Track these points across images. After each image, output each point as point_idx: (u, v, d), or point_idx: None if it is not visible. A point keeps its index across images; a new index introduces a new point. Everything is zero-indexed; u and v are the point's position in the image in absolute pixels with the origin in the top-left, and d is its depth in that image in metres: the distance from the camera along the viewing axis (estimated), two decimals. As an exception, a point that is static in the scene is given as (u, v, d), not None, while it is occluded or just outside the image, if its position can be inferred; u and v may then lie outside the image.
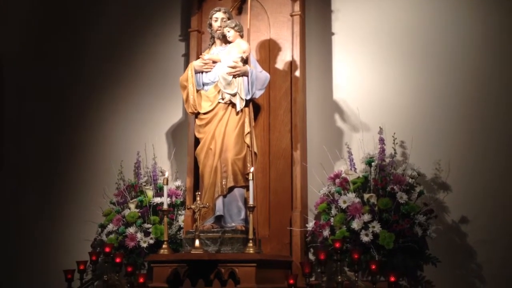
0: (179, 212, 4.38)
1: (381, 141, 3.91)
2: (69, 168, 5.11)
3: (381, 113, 4.12)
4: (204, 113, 3.95)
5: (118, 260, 3.99)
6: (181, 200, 4.44)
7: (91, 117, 5.12)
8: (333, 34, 4.39)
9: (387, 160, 3.88)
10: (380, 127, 3.96)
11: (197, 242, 3.58)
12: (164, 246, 3.80)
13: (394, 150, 3.90)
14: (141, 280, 3.83)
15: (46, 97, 5.34)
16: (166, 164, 4.69)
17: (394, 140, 3.90)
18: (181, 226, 4.29)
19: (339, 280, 3.44)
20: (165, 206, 3.88)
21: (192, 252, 3.57)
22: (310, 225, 3.92)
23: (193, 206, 3.73)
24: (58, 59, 5.34)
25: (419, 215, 3.66)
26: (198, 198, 3.72)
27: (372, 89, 4.23)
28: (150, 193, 4.44)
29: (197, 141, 4.11)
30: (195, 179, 4.22)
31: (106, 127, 5.05)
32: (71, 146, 5.14)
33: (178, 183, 4.53)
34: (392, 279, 3.33)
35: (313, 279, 3.71)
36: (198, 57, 4.19)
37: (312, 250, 4.05)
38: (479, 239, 3.77)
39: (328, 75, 4.35)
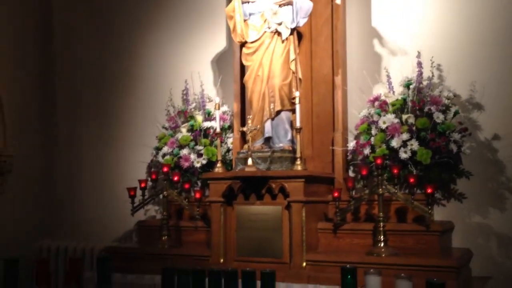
0: (227, 135, 4.67)
1: (419, 64, 4.04)
2: (121, 97, 5.39)
3: (419, 38, 4.22)
4: (251, 42, 4.10)
5: (176, 178, 4.34)
6: (228, 124, 4.71)
7: (139, 49, 5.34)
8: (372, -40, 4.44)
9: (425, 82, 4.02)
10: (418, 51, 4.08)
11: (249, 161, 3.90)
12: (218, 165, 4.09)
13: (432, 73, 4.04)
14: (198, 195, 4.22)
15: (96, 32, 5.58)
16: (212, 91, 4.92)
17: (431, 64, 4.03)
18: (230, 148, 4.57)
19: (380, 192, 3.66)
20: (218, 129, 4.14)
21: (246, 169, 3.91)
22: (352, 144, 4.14)
23: (245, 129, 4.01)
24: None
25: (454, 133, 3.82)
26: (249, 122, 3.99)
27: (410, 14, 4.30)
28: (199, 118, 4.73)
29: (242, 69, 4.30)
30: (242, 104, 4.46)
31: (154, 57, 5.27)
32: (122, 78, 5.40)
33: (225, 108, 4.76)
34: (429, 190, 3.53)
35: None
36: (243, -12, 4.31)
37: (352, 168, 4.30)
38: (509, 154, 3.94)
39: (367, 2, 4.43)
